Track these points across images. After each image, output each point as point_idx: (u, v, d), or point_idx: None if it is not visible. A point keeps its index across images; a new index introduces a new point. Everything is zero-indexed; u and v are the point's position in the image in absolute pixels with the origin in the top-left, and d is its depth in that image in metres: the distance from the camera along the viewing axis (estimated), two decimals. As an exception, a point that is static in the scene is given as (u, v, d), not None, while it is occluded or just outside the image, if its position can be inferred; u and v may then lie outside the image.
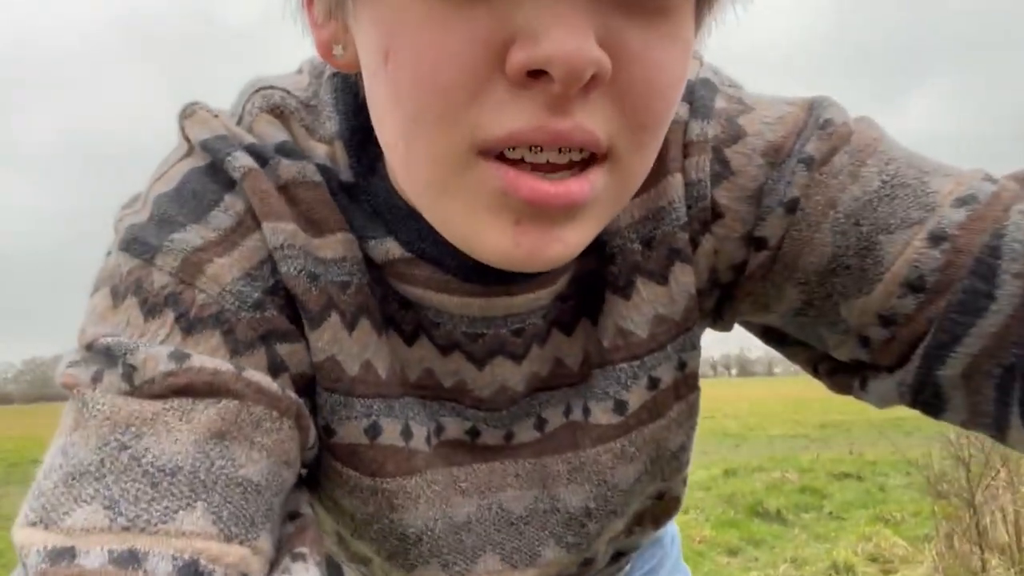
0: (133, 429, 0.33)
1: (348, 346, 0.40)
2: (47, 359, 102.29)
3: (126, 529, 0.31)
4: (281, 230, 0.39)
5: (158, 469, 0.32)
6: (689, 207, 0.43)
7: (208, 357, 0.35)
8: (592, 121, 0.31)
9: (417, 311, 0.43)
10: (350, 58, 0.36)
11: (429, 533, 0.44)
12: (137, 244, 0.37)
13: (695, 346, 0.46)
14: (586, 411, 0.46)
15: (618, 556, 0.55)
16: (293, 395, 0.38)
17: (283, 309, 0.39)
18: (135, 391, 0.34)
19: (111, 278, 0.38)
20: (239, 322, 0.37)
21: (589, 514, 0.47)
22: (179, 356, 0.34)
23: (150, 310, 0.36)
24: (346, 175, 0.42)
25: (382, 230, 0.41)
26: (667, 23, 0.31)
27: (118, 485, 0.32)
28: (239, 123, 0.42)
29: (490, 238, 0.33)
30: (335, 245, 0.40)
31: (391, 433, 0.42)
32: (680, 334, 0.45)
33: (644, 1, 0.30)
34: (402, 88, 0.31)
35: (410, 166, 0.34)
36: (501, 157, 0.31)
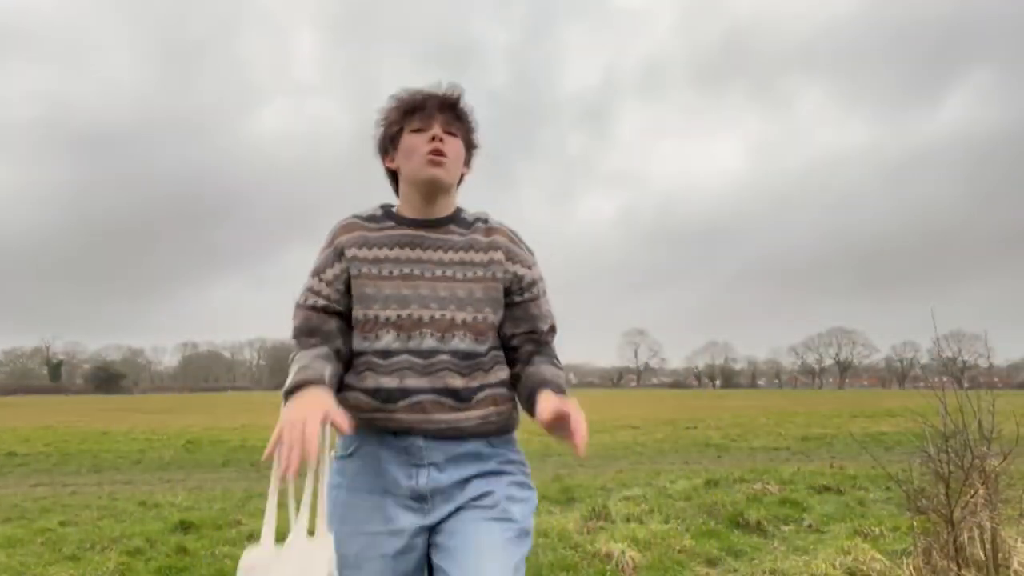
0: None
1: (365, 255, 1.44)
2: (27, 350, 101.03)
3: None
4: (346, 239, 1.45)
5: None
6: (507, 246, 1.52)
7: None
8: (447, 150, 1.44)
9: (400, 237, 1.46)
10: (395, 166, 1.51)
11: (390, 307, 1.41)
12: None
13: (499, 276, 1.46)
14: (464, 265, 1.45)
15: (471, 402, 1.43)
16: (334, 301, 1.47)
17: (343, 269, 1.45)
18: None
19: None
20: (322, 281, 1.47)
21: (455, 296, 1.42)
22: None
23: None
24: (381, 213, 1.50)
25: (388, 223, 1.48)
26: (456, 150, 1.50)
27: None
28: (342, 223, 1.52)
29: (426, 171, 1.42)
30: (377, 227, 1.48)
31: (369, 272, 1.44)
32: (493, 264, 1.46)
33: (453, 137, 1.47)
34: (414, 161, 1.45)
35: (414, 178, 1.45)
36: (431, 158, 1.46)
